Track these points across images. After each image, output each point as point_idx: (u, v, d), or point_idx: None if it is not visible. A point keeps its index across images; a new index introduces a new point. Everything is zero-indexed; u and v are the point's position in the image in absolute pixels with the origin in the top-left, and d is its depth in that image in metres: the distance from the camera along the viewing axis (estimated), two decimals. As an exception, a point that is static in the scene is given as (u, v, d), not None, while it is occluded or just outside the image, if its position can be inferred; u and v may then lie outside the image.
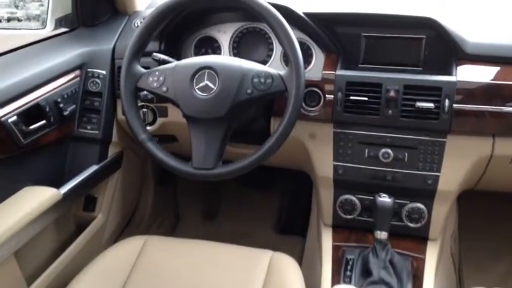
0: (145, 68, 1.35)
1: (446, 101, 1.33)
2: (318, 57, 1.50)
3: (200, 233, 2.25)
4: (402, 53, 1.45)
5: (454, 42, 1.36)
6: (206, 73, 1.27)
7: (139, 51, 1.34)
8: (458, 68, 1.37)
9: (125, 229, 1.93)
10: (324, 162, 1.51)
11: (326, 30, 1.47)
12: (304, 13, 1.44)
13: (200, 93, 1.26)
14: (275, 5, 1.26)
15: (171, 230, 2.27)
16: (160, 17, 1.33)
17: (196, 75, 1.27)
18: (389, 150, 1.43)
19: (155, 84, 1.30)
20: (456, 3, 1.62)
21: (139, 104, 1.51)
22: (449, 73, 1.37)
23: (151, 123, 1.63)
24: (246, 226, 2.28)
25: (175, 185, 2.39)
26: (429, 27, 1.39)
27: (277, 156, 1.30)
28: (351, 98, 1.40)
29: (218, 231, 2.29)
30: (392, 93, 1.37)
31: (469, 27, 1.41)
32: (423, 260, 1.49)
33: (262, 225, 2.30)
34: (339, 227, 1.59)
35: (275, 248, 1.39)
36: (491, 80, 1.34)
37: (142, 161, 2.01)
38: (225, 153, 1.31)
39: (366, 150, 1.45)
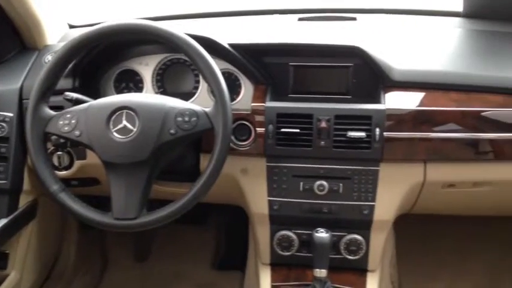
0: (58, 109, 1.22)
1: (377, 129, 1.31)
2: (247, 88, 1.44)
3: (131, 276, 2.10)
4: (331, 82, 1.42)
5: (380, 70, 1.35)
6: (124, 114, 1.16)
7: (48, 90, 1.22)
8: (387, 95, 1.36)
9: (43, 285, 1.75)
10: (258, 198, 1.44)
11: (253, 60, 1.42)
12: (229, 44, 1.38)
13: (118, 136, 1.16)
14: (196, 37, 1.19)
15: (99, 276, 2.10)
16: (73, 51, 1.22)
17: (113, 117, 1.17)
18: (324, 182, 1.38)
19: (66, 128, 1.18)
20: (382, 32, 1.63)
21: (52, 147, 1.38)
22: (378, 101, 1.35)
23: (68, 167, 1.49)
24: (181, 265, 2.15)
25: None
26: (355, 55, 1.37)
27: (210, 193, 1.21)
28: (282, 130, 1.35)
29: (151, 273, 2.14)
30: (323, 124, 1.33)
31: (396, 54, 1.41)
32: None
33: (198, 263, 2.19)
34: (277, 265, 1.51)
35: (213, 285, 1.29)
36: (419, 106, 1.33)
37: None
38: (153, 193, 1.21)
39: (301, 184, 1.40)
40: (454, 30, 1.59)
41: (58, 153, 1.46)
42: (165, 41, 1.18)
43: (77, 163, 1.48)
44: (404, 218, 1.65)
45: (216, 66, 1.17)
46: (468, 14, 1.63)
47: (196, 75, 1.49)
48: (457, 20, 1.65)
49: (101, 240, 2.22)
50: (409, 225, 1.96)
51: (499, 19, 1.57)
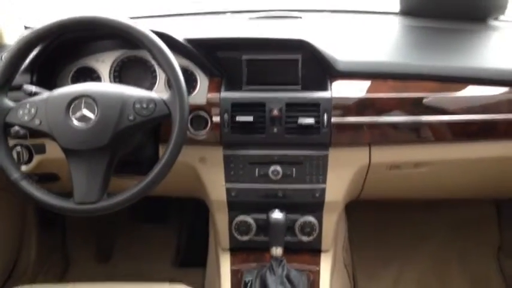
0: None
1: (325, 116, 1.41)
2: (202, 82, 1.51)
3: (93, 276, 2.10)
4: (282, 73, 1.51)
5: (326, 61, 1.46)
6: (83, 101, 1.21)
7: (6, 83, 1.25)
8: (333, 84, 1.46)
9: (4, 285, 1.73)
10: (216, 186, 1.51)
11: (208, 55, 1.49)
12: (185, 39, 1.45)
13: (78, 123, 1.20)
14: (155, 32, 1.26)
15: (60, 277, 2.09)
16: (32, 42, 1.25)
17: (72, 105, 1.21)
18: (278, 168, 1.47)
19: (26, 117, 1.21)
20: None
21: (11, 142, 1.39)
22: (325, 90, 1.45)
23: (27, 162, 1.50)
24: (144, 264, 2.18)
25: (63, 225, 2.22)
26: (302, 48, 1.47)
27: (169, 183, 1.27)
28: (237, 119, 1.43)
29: (113, 273, 2.16)
30: (275, 112, 1.42)
31: (339, 47, 1.52)
32: (318, 273, 1.54)
33: (160, 261, 2.22)
34: (236, 250, 1.58)
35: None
36: (362, 94, 1.44)
37: (21, 204, 1.84)
38: (112, 187, 1.25)
39: (256, 170, 1.48)
40: (392, 27, 1.73)
41: (17, 148, 1.47)
42: (125, 36, 1.24)
43: (37, 157, 1.50)
44: (356, 207, 1.75)
45: (172, 55, 1.23)
46: (404, 12, 1.77)
47: (153, 72, 1.55)
48: (394, 18, 1.79)
49: (62, 239, 2.21)
50: (362, 213, 2.08)
51: (431, 16, 1.72)
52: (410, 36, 1.70)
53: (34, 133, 1.25)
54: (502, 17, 1.72)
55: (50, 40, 1.37)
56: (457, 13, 1.68)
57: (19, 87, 1.32)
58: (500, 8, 1.67)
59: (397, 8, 1.79)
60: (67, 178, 1.42)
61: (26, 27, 1.81)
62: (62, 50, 1.48)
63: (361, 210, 1.97)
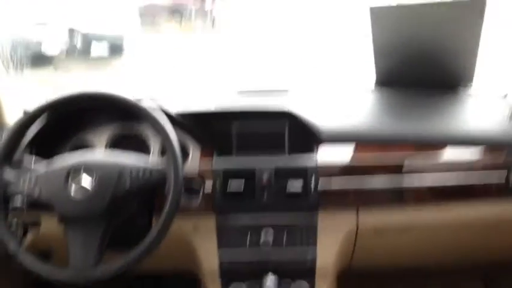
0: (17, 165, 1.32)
1: (312, 181, 1.49)
2: (194, 152, 1.58)
3: None
4: (270, 142, 1.60)
5: (310, 130, 1.55)
6: (82, 171, 1.26)
7: (7, 158, 1.31)
8: (319, 150, 1.55)
9: None
10: (209, 254, 1.53)
11: (199, 126, 1.58)
12: (177, 111, 1.54)
13: (76, 192, 1.24)
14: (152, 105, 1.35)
15: None
16: (28, 123, 1.34)
17: (71, 174, 1.26)
18: (269, 232, 1.51)
19: (27, 187, 1.26)
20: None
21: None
22: (311, 156, 1.54)
23: (22, 238, 1.52)
24: None
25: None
26: (288, 118, 1.57)
27: (162, 256, 1.30)
28: (229, 186, 1.49)
29: None
30: (265, 178, 1.49)
31: (322, 115, 1.62)
32: None
33: None
34: None
35: None
36: (348, 159, 1.53)
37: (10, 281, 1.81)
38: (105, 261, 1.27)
39: (248, 235, 1.51)
40: (370, 95, 1.86)
41: (13, 222, 1.49)
42: (121, 106, 1.33)
43: (32, 232, 1.52)
44: (349, 280, 1.76)
45: (169, 125, 1.32)
46: (380, 82, 1.91)
47: (147, 145, 1.62)
48: (372, 88, 1.92)
49: None
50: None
51: (405, 86, 1.85)
52: (387, 103, 1.83)
53: (32, 204, 1.29)
54: (470, 85, 1.87)
55: (50, 115, 1.45)
56: (428, 83, 1.81)
57: (20, 160, 1.38)
58: (468, 77, 1.82)
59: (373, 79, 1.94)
60: (60, 257, 1.43)
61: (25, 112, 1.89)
62: (61, 124, 1.56)
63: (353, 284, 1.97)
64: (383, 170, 1.51)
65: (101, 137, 1.62)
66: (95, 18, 9.40)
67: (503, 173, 1.51)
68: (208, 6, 12.55)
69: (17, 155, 1.36)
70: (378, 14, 1.78)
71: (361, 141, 1.56)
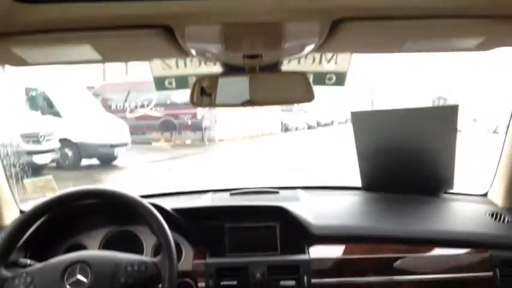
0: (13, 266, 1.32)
1: (305, 277, 1.51)
2: (187, 250, 1.60)
3: None
4: (262, 239, 1.64)
5: (302, 226, 1.61)
6: (78, 267, 1.28)
7: (3, 259, 1.31)
8: (310, 248, 1.59)
9: None
10: None
11: (193, 224, 1.63)
12: (172, 209, 1.59)
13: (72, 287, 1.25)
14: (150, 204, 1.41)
15: None
16: (24, 225, 1.36)
17: (68, 271, 1.27)
18: None
19: (22, 286, 1.26)
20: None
21: None
22: (303, 253, 1.57)
23: None
24: None
25: None
26: (280, 214, 1.63)
27: None
28: (222, 283, 1.50)
29: None
30: (258, 275, 1.51)
31: (314, 214, 1.68)
32: None
33: None
34: None
35: None
36: (340, 256, 1.57)
37: None
38: None
39: None
40: (357, 198, 1.94)
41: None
42: (122, 204, 1.38)
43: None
44: None
45: (164, 222, 1.36)
46: (366, 188, 2.00)
47: (140, 245, 1.64)
48: (358, 192, 2.01)
49: None
50: None
51: (390, 192, 1.95)
52: (375, 205, 1.91)
53: None
54: (451, 188, 1.97)
55: (46, 216, 1.48)
56: (411, 188, 1.91)
57: (15, 262, 1.38)
58: (448, 184, 1.93)
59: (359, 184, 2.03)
60: None
61: (21, 211, 1.92)
62: (55, 227, 1.59)
63: None
64: (374, 266, 1.55)
65: (95, 239, 1.64)
66: (88, 130, 9.73)
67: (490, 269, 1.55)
68: (200, 120, 13.07)
69: (12, 256, 1.37)
70: (358, 119, 1.94)
71: (354, 238, 1.60)
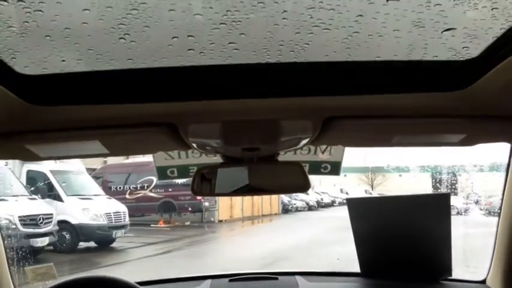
0: None
1: None
2: None
3: None
4: None
5: None
6: None
7: None
8: None
9: None
10: None
11: None
12: None
13: None
14: None
15: None
16: None
17: None
18: None
19: None
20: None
21: None
22: None
23: None
24: None
25: None
26: None
27: None
28: None
29: None
30: None
31: None
32: None
33: None
34: None
35: None
36: None
37: None
38: None
39: None
40: (356, 285, 1.94)
41: None
42: None
43: None
44: None
45: None
46: (365, 273, 2.00)
47: None
48: (357, 279, 2.01)
49: None
50: None
51: (389, 279, 1.94)
52: None
53: None
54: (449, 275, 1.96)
55: None
56: (410, 275, 1.90)
57: None
58: (446, 271, 1.93)
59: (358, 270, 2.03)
60: None
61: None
62: None
63: None
64: None
65: None
66: (87, 213, 9.70)
67: None
68: (200, 201, 13.04)
69: None
70: (354, 205, 1.98)
71: None
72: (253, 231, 14.66)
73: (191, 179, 1.40)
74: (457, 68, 0.92)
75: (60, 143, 1.09)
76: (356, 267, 2.01)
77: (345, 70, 0.93)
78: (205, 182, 1.40)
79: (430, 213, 1.86)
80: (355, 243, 1.98)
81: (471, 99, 0.96)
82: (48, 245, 8.58)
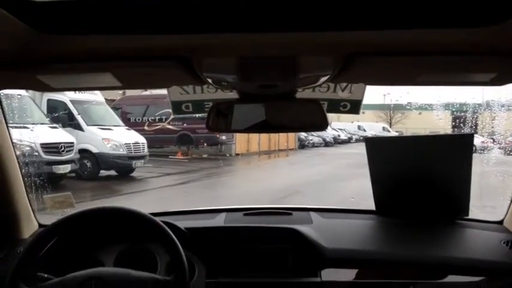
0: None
1: None
2: (200, 269, 1.63)
3: None
4: (275, 261, 1.65)
5: (314, 250, 1.62)
6: (93, 284, 1.31)
7: (22, 272, 1.35)
8: (322, 271, 1.60)
9: None
10: None
11: (206, 243, 1.65)
12: (185, 228, 1.62)
13: None
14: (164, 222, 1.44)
15: None
16: (43, 240, 1.40)
17: (83, 287, 1.30)
18: None
19: None
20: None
21: None
22: (315, 276, 1.58)
23: None
24: None
25: None
26: (293, 237, 1.64)
27: None
28: None
29: None
30: None
31: (326, 237, 1.69)
32: None
33: None
34: None
35: None
36: (351, 280, 1.58)
37: None
38: None
39: None
40: (371, 221, 1.95)
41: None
42: (133, 222, 1.42)
43: None
44: None
45: (178, 242, 1.39)
46: (380, 211, 2.00)
47: (154, 263, 1.67)
48: (372, 216, 2.01)
49: None
50: None
51: (404, 217, 1.94)
52: (388, 230, 1.90)
53: None
54: (466, 215, 1.95)
55: (63, 234, 1.53)
56: (426, 214, 1.91)
57: (33, 275, 1.43)
58: (463, 211, 1.92)
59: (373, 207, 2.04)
60: None
61: (40, 225, 1.98)
62: (72, 242, 1.63)
63: None
64: None
65: (110, 255, 1.68)
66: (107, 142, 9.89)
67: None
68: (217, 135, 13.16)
69: (31, 270, 1.41)
70: (373, 144, 1.95)
71: (368, 262, 1.61)
72: (269, 166, 14.86)
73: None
74: (494, 1, 0.84)
75: (72, 74, 1.06)
76: (371, 205, 2.01)
77: (370, 2, 0.85)
78: (221, 117, 1.37)
79: (452, 154, 1.82)
80: (372, 182, 1.96)
81: (507, 36, 0.89)
82: (71, 172, 8.88)
